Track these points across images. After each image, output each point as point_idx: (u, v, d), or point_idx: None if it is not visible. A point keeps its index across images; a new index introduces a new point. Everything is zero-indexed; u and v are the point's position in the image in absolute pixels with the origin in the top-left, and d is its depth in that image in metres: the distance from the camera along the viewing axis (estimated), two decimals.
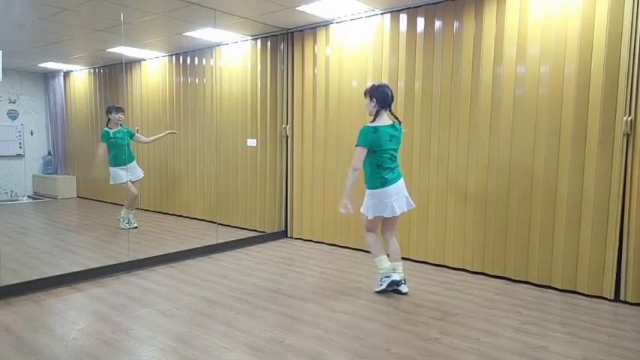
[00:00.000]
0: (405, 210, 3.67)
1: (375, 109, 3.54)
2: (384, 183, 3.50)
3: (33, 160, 6.98)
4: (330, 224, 5.34)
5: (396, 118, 3.65)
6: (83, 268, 4.13)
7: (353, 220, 4.98)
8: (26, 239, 5.51)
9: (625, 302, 3.55)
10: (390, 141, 3.52)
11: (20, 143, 6.76)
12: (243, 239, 5.48)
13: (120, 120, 5.67)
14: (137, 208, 6.24)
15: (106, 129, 5.64)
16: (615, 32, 3.47)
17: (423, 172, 4.57)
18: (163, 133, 6.26)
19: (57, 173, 7.28)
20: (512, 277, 4.06)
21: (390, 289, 3.69)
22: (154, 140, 6.21)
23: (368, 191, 3.58)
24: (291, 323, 3.14)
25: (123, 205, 5.96)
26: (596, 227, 3.64)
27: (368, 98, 3.57)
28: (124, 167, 5.65)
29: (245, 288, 3.88)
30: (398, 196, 3.57)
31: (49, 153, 7.20)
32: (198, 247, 4.99)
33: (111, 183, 5.76)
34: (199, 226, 6.32)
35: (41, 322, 3.12)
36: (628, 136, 3.49)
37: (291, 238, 5.76)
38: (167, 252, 4.75)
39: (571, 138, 3.70)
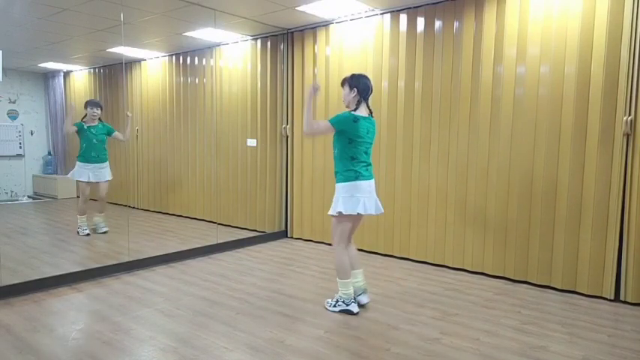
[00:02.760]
0: (374, 213, 3.32)
1: (356, 100, 3.24)
2: (358, 176, 3.20)
3: (33, 160, 6.97)
4: (330, 224, 5.32)
5: (371, 112, 3.35)
6: (83, 268, 4.13)
7: None
8: (26, 239, 5.51)
9: (625, 302, 3.55)
10: (367, 134, 3.25)
11: (20, 143, 6.75)
12: (243, 239, 5.48)
13: (95, 115, 5.46)
14: (136, 208, 6.22)
15: (81, 121, 5.46)
16: (615, 32, 3.47)
17: (423, 172, 4.57)
18: (127, 121, 5.77)
19: (57, 173, 7.27)
20: (512, 277, 4.06)
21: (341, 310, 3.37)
22: (127, 133, 5.78)
23: (339, 185, 3.25)
24: (291, 323, 3.14)
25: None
26: (596, 227, 3.64)
27: (347, 88, 3.27)
28: (89, 166, 5.47)
29: (245, 288, 3.88)
30: (370, 195, 3.28)
31: (49, 153, 7.19)
32: (198, 247, 4.99)
33: (68, 176, 5.57)
34: (199, 226, 6.32)
35: (41, 322, 3.12)
36: (628, 136, 3.49)
37: (291, 238, 5.76)
38: (167, 252, 4.75)
39: (571, 138, 3.70)
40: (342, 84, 3.33)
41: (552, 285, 3.87)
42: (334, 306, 3.38)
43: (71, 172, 5.54)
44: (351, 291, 3.34)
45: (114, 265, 4.27)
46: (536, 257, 3.93)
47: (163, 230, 6.07)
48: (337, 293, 3.40)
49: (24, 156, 6.80)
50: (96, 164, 5.51)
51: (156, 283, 3.98)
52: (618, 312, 3.40)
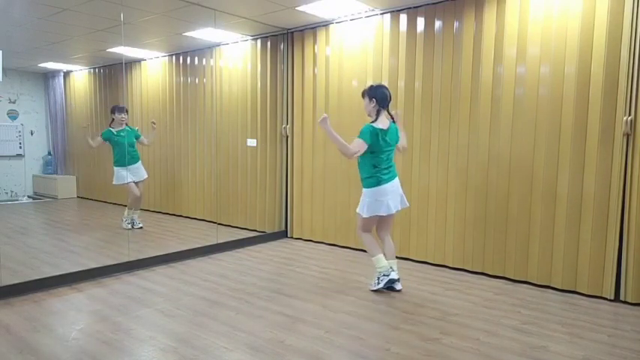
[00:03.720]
0: (400, 208, 3.76)
1: (376, 110, 3.59)
2: (380, 181, 3.59)
3: (33, 160, 6.98)
4: (330, 224, 5.34)
5: (392, 118, 3.72)
6: (83, 268, 4.13)
7: (353, 221, 4.97)
8: (26, 239, 5.51)
9: (625, 302, 3.55)
10: (388, 143, 3.61)
11: (20, 143, 6.76)
12: (243, 239, 5.48)
13: (123, 120, 5.71)
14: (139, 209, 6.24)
15: (109, 128, 5.70)
16: (615, 32, 3.47)
17: (423, 172, 4.57)
18: (152, 129, 6.04)
19: (57, 173, 7.28)
20: (512, 277, 4.06)
21: (385, 287, 3.75)
22: (151, 138, 6.09)
23: (364, 190, 3.67)
24: (291, 323, 3.14)
25: (124, 206, 5.96)
26: (596, 227, 3.64)
27: (367, 99, 3.63)
28: (126, 167, 5.67)
29: (245, 288, 3.88)
30: (393, 194, 3.66)
31: (49, 153, 7.19)
32: (199, 247, 4.99)
33: (114, 183, 5.80)
34: (199, 226, 6.32)
35: (41, 322, 3.12)
36: (628, 136, 3.49)
37: (291, 238, 5.76)
38: (167, 252, 4.75)
39: (571, 138, 3.70)
40: (363, 95, 3.69)
41: (552, 285, 3.87)
42: (378, 283, 3.70)
43: (114, 179, 5.77)
44: (386, 263, 3.70)
45: (114, 265, 4.27)
46: (536, 257, 3.93)
47: (164, 230, 6.07)
48: (376, 271, 3.75)
49: (24, 156, 6.81)
50: (132, 165, 5.75)
51: (156, 283, 3.98)
52: (618, 312, 3.40)
